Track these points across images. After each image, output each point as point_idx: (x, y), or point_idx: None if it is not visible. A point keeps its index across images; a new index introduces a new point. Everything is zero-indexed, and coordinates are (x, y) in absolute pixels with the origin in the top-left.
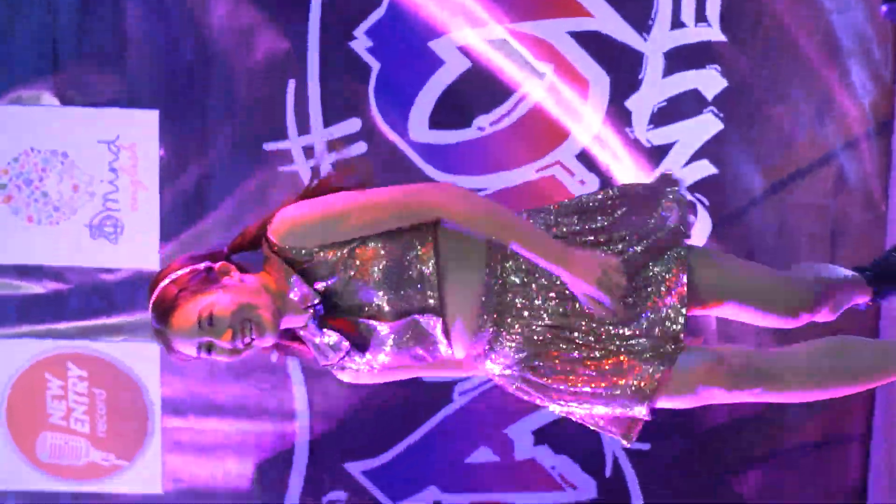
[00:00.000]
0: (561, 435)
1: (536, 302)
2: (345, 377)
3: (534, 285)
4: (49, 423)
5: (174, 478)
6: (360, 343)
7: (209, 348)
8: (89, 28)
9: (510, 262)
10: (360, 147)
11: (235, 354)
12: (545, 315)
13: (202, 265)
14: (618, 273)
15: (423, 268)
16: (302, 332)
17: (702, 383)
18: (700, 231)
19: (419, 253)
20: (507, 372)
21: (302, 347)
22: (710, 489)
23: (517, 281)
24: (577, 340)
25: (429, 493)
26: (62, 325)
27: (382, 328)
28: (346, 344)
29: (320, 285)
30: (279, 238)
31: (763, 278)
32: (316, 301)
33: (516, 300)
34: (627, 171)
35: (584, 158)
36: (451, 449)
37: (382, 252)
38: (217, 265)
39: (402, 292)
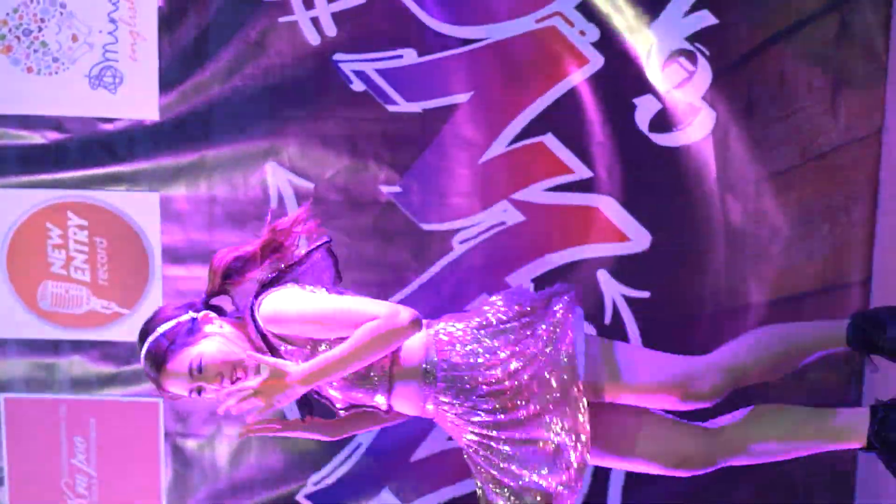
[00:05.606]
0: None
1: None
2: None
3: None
4: (50, 271)
5: None
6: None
7: (199, 391)
8: None
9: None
10: None
11: (222, 392)
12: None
13: (186, 317)
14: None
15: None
16: None
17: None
18: (700, 82)
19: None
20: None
21: None
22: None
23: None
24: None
25: None
26: (62, 175)
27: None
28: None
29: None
30: (263, 320)
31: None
32: None
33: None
34: (628, 21)
35: (584, 8)
36: (451, 294)
37: None
38: (200, 315)
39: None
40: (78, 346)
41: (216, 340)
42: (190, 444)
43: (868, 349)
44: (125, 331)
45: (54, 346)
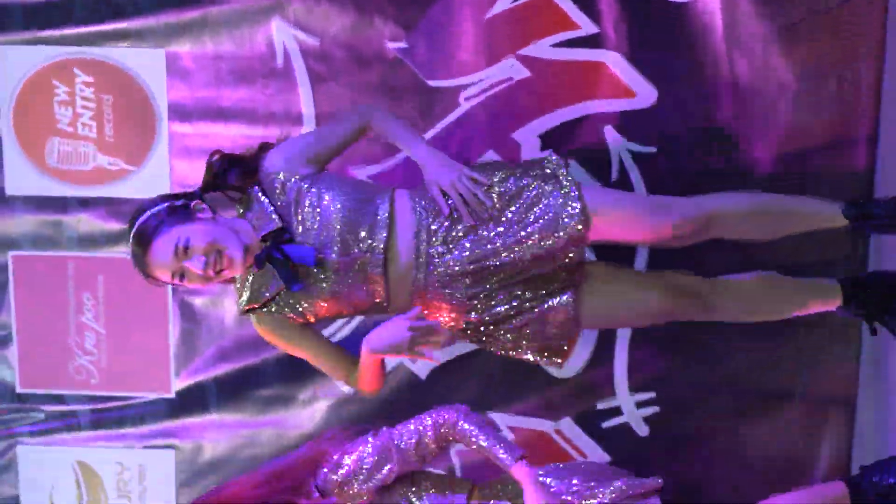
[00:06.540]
0: (566, 138)
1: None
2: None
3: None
4: (57, 128)
5: (182, 182)
6: (292, 279)
7: (182, 275)
8: None
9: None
10: None
11: (205, 282)
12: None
13: (179, 202)
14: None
15: (378, 216)
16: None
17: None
18: None
19: (378, 208)
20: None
21: None
22: None
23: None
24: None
25: None
26: (68, 31)
27: (331, 262)
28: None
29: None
30: (268, 163)
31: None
32: (274, 226)
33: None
34: None
35: None
36: (458, 151)
37: (344, 197)
38: (192, 202)
39: (355, 231)
40: (85, 203)
41: (206, 224)
42: (198, 302)
43: (864, 219)
44: (132, 188)
45: (62, 203)
